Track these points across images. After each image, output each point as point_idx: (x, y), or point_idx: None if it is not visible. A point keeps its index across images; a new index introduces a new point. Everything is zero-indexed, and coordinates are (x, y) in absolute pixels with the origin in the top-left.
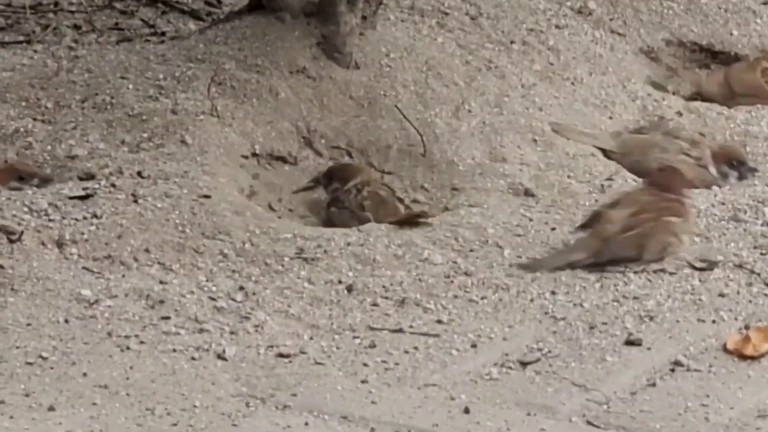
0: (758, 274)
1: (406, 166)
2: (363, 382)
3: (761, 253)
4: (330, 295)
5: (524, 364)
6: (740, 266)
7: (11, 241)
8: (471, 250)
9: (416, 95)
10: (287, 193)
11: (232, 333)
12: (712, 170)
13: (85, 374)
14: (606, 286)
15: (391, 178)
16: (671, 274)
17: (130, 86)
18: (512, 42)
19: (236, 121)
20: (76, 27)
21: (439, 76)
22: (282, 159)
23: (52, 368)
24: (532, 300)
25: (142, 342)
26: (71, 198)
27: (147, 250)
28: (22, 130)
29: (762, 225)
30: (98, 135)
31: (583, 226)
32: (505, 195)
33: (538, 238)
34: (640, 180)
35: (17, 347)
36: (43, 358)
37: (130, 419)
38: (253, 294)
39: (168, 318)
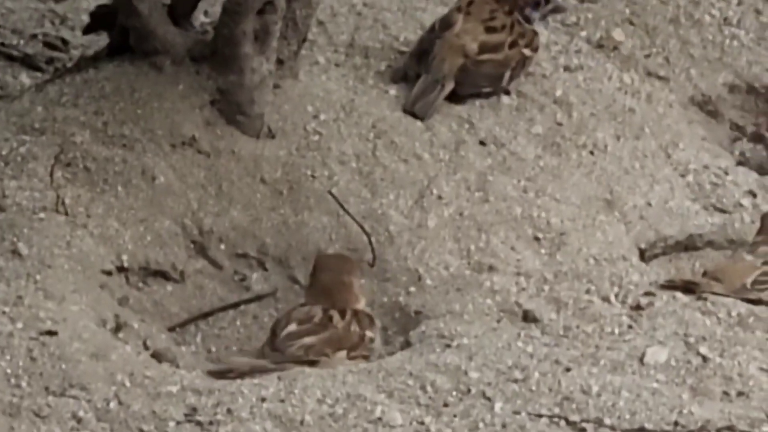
0: None
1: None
2: None
3: None
4: None
5: None
6: None
7: None
8: (446, 405)
9: (360, 175)
10: (171, 322)
11: None
12: None
13: None
14: None
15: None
16: None
17: None
18: (502, 93)
19: (93, 220)
20: None
21: (393, 146)
22: (163, 274)
23: None
24: None
25: None
26: None
27: None
28: None
29: None
30: None
31: None
32: (494, 321)
33: (545, 384)
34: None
35: None
36: None
37: None
38: None
39: None
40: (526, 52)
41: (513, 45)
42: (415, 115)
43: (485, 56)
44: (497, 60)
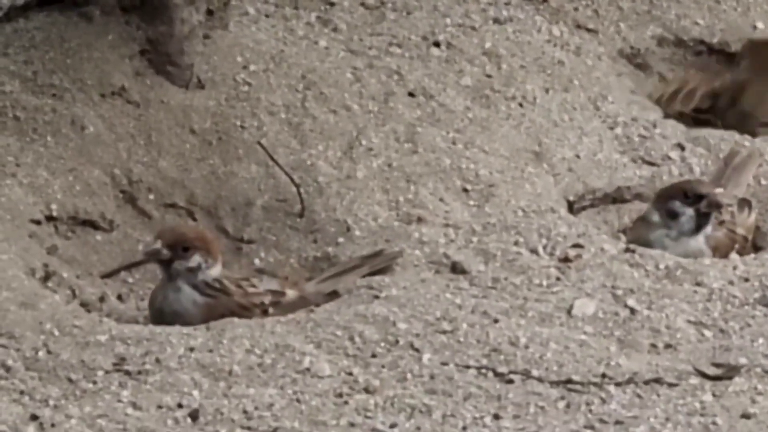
0: None
1: (276, 231)
2: None
3: None
4: (166, 425)
5: None
6: None
7: None
8: (373, 356)
9: (289, 126)
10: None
11: None
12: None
13: None
14: (575, 405)
15: (253, 248)
16: (671, 386)
17: None
18: (432, 44)
19: (22, 169)
20: None
21: (323, 97)
22: (92, 224)
23: None
24: (464, 428)
25: None
26: None
27: None
28: None
29: None
30: None
31: None
32: (423, 272)
33: (473, 336)
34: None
35: None
36: None
37: None
38: (52, 426)
39: None
40: None
41: None
42: None
43: None
44: None
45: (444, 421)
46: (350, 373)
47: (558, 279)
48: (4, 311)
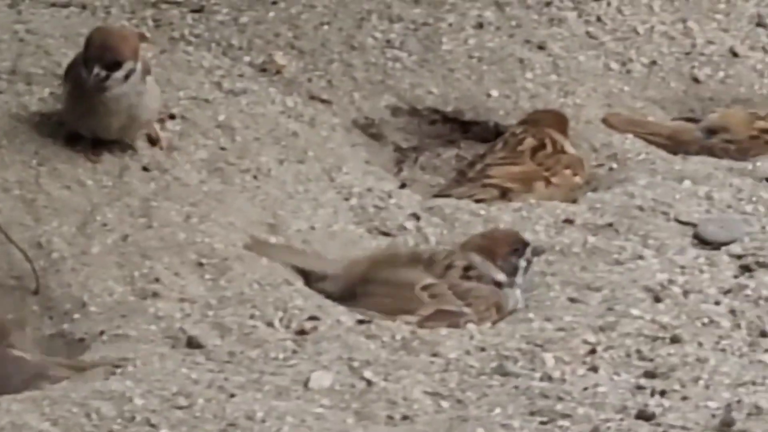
0: None
1: (12, 309)
2: None
3: (541, 423)
4: None
5: None
6: None
7: None
8: None
9: (23, 202)
10: None
11: None
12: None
13: None
14: None
15: None
16: None
17: None
18: (165, 119)
19: None
20: None
21: (57, 172)
22: None
23: None
24: None
25: None
26: None
27: None
28: None
29: (541, 380)
30: None
31: None
32: (159, 346)
33: (210, 411)
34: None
35: None
36: None
37: None
38: None
39: None
40: None
41: None
42: None
43: None
44: None
45: None
46: None
47: (294, 352)
48: None
